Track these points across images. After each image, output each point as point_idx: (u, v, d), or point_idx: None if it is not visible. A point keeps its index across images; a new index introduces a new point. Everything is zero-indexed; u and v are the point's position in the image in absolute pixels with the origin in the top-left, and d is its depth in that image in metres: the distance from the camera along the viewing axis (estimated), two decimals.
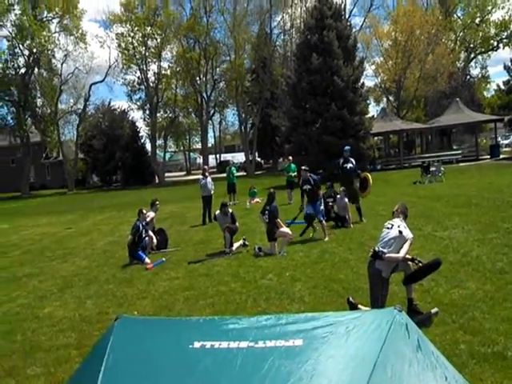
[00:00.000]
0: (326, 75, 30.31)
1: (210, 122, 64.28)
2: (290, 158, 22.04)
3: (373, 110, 67.32)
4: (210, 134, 72.72)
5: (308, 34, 32.12)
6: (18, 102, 49.86)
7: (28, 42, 48.14)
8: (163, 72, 54.32)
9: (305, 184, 11.91)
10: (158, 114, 56.67)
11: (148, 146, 58.52)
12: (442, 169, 23.88)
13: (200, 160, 72.45)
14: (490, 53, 60.26)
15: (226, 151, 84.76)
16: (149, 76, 53.56)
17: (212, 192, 16.92)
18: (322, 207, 11.94)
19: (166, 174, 59.71)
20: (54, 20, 51.21)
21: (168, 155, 70.77)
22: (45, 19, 50.37)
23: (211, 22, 52.13)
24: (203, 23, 51.52)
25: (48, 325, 7.05)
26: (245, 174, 48.67)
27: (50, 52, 50.51)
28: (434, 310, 5.90)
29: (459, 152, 38.42)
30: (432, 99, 51.93)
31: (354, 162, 13.68)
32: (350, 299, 6.28)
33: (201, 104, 54.86)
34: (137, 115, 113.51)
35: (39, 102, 54.08)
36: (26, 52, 49.77)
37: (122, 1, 50.92)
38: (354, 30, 41.57)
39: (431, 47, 45.93)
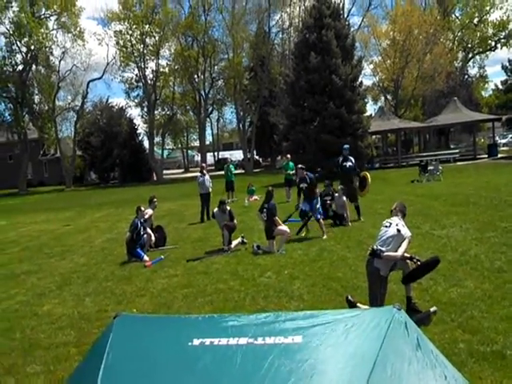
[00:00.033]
0: (325, 74, 30.32)
1: (208, 119, 64.30)
2: (289, 156, 22.06)
3: (371, 108, 67.65)
4: (208, 131, 72.84)
5: (306, 33, 32.10)
6: (16, 99, 49.72)
7: (26, 39, 47.88)
8: (161, 70, 54.17)
9: (301, 182, 11.93)
10: (156, 112, 56.62)
11: (146, 144, 58.48)
12: (440, 168, 23.91)
13: (198, 157, 72.30)
14: (487, 53, 60.33)
15: (224, 149, 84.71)
16: (147, 73, 53.48)
17: (210, 190, 16.91)
18: (319, 205, 11.91)
19: (164, 172, 59.61)
20: (51, 17, 51.02)
21: (166, 152, 70.57)
22: (43, 16, 50.20)
23: (209, 21, 52.06)
24: (201, 21, 51.38)
25: (47, 322, 7.04)
26: (243, 171, 48.64)
27: (47, 49, 50.32)
28: (432, 309, 5.91)
29: (457, 151, 38.52)
30: (430, 98, 51.95)
31: (353, 161, 13.65)
32: (349, 297, 6.29)
33: (199, 102, 54.80)
34: (135, 112, 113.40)
35: (37, 98, 53.93)
36: (24, 49, 49.55)
37: None
38: (352, 29, 41.63)
39: (429, 47, 45.94)
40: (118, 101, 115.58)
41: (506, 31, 56.20)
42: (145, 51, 52.07)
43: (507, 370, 4.44)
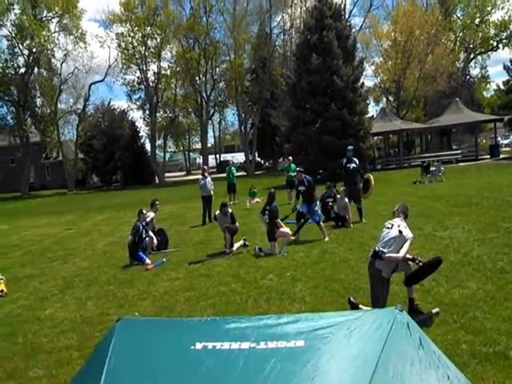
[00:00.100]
0: (326, 75, 30.31)
1: (210, 121, 64.32)
2: (290, 157, 22.05)
3: (372, 109, 67.28)
4: (210, 133, 72.78)
5: (308, 34, 32.13)
6: (18, 102, 49.82)
7: (28, 41, 48.10)
8: (163, 72, 54.37)
9: (300, 185, 11.95)
10: (158, 114, 56.64)
11: (148, 146, 58.56)
12: (442, 168, 23.87)
13: (200, 160, 72.43)
14: (489, 53, 60.36)
15: (226, 151, 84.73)
16: (148, 76, 53.64)
17: (212, 192, 16.89)
18: (317, 208, 11.86)
19: (166, 174, 59.67)
20: (53, 19, 51.23)
21: (168, 155, 70.71)
22: (44, 19, 50.34)
23: (211, 22, 52.19)
24: (203, 23, 51.50)
25: (49, 326, 7.04)
26: (245, 173, 48.66)
27: (49, 52, 50.44)
28: (435, 310, 5.91)
29: (459, 152, 38.42)
30: (432, 99, 51.96)
31: (357, 162, 13.63)
32: (351, 299, 6.28)
33: (200, 104, 54.87)
34: (136, 115, 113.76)
35: (39, 101, 54.05)
36: (26, 52, 49.74)
37: (122, 0, 50.90)
38: (353, 30, 41.66)
39: (431, 47, 45.97)
40: (120, 103, 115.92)
41: (508, 31, 56.19)
42: (146, 53, 52.18)
43: (510, 370, 4.43)
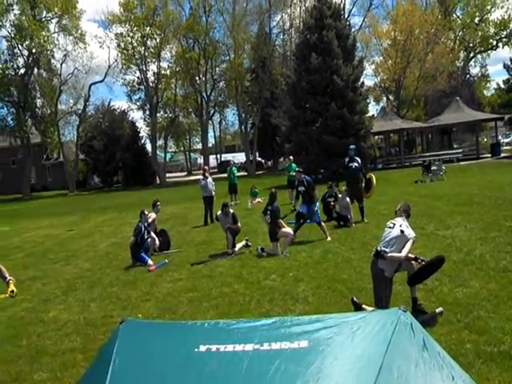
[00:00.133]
0: (326, 74, 30.28)
1: (210, 121, 64.32)
2: (291, 157, 22.02)
3: (373, 109, 67.24)
4: (211, 133, 72.79)
5: (307, 34, 32.08)
6: (18, 103, 49.84)
7: (27, 42, 48.06)
8: (163, 72, 54.35)
9: (299, 186, 11.93)
10: (158, 114, 56.65)
11: (148, 147, 58.62)
12: (443, 168, 23.86)
13: (201, 160, 72.43)
14: (489, 52, 60.30)
15: (227, 151, 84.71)
16: (148, 76, 53.62)
17: (213, 193, 16.89)
18: (317, 209, 11.81)
19: (167, 175, 59.69)
20: (53, 20, 51.16)
21: (168, 156, 70.73)
22: (44, 19, 50.27)
23: (210, 22, 52.14)
24: (202, 23, 51.44)
25: (53, 329, 7.05)
26: (245, 173, 48.66)
27: (49, 52, 50.43)
28: (438, 310, 5.91)
29: (460, 151, 38.41)
30: (432, 98, 51.90)
31: (359, 161, 13.58)
32: (354, 299, 6.29)
33: (201, 104, 54.84)
34: (137, 115, 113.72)
35: (39, 102, 54.09)
36: (26, 52, 49.76)
37: (121, 1, 50.85)
38: (353, 29, 41.62)
39: (430, 46, 45.93)
40: (120, 104, 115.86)
41: (508, 30, 56.15)
42: (146, 53, 52.18)
43: None
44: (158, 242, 11.83)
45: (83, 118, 55.75)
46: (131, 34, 51.33)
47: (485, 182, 20.07)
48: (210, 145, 67.02)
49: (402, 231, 5.69)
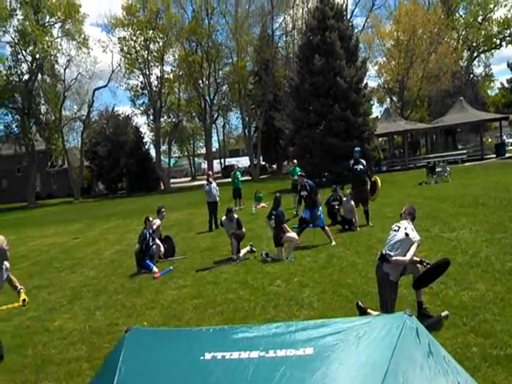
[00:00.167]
0: (329, 76, 30.26)
1: (214, 125, 64.41)
2: (295, 161, 21.95)
3: (376, 110, 67.49)
4: (214, 138, 72.93)
5: (310, 35, 32.06)
6: (22, 110, 50.10)
7: (31, 47, 48.35)
8: (166, 76, 54.54)
9: (302, 190, 11.85)
10: (162, 119, 56.94)
11: (152, 152, 58.78)
12: (448, 169, 23.80)
13: (205, 165, 72.55)
14: (493, 51, 60.34)
15: (231, 155, 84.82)
16: (152, 80, 53.84)
17: (217, 198, 16.85)
18: (320, 213, 11.71)
19: (171, 180, 59.76)
20: (56, 25, 51.45)
21: (172, 161, 70.85)
22: (47, 24, 50.55)
23: (213, 25, 52.36)
24: (205, 26, 51.62)
25: (59, 338, 7.04)
26: (250, 178, 48.67)
27: (52, 57, 50.72)
28: (444, 313, 5.88)
29: (464, 152, 38.23)
30: (436, 99, 51.82)
31: (364, 164, 13.49)
32: (359, 304, 6.27)
33: (204, 108, 54.97)
34: (140, 120, 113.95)
35: (43, 108, 54.34)
36: (29, 58, 50.02)
37: (124, 4, 51.33)
38: (356, 30, 41.55)
39: (434, 46, 45.82)
40: (124, 109, 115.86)
41: (511, 29, 55.99)
42: (149, 57, 52.45)
43: None
44: (162, 248, 11.82)
45: (87, 123, 56.02)
46: (134, 38, 51.65)
47: (490, 182, 19.98)
48: (213, 149, 67.21)
49: (406, 234, 5.67)
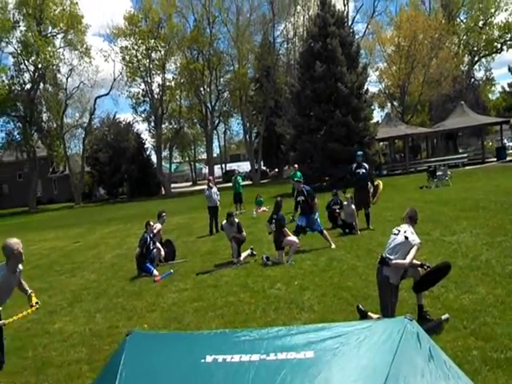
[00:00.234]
0: (330, 82, 30.32)
1: (215, 131, 64.43)
2: (296, 165, 21.96)
3: (377, 115, 67.25)
4: (215, 143, 72.88)
5: (311, 42, 32.11)
6: (24, 118, 50.24)
7: (33, 57, 48.56)
8: (167, 84, 54.62)
9: (299, 195, 11.82)
10: (163, 126, 56.95)
11: (153, 158, 58.78)
12: (449, 173, 23.80)
13: (206, 170, 72.57)
14: (493, 55, 60.25)
15: (232, 160, 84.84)
16: (153, 88, 53.91)
17: (218, 203, 16.91)
18: (317, 217, 11.70)
19: (172, 185, 59.80)
20: (58, 35, 51.79)
21: (174, 166, 70.91)
22: (49, 35, 50.90)
23: (214, 33, 52.45)
24: (206, 34, 51.72)
25: (59, 340, 7.05)
26: (250, 182, 48.68)
27: (55, 67, 50.98)
28: (444, 317, 5.86)
29: (465, 155, 38.22)
30: (437, 103, 51.79)
31: (367, 167, 13.47)
32: (360, 307, 6.27)
33: (205, 114, 55.00)
34: (142, 127, 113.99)
35: (45, 116, 54.51)
36: (32, 68, 50.23)
37: (126, 15, 51.59)
38: (357, 36, 41.70)
39: (435, 51, 45.89)
40: (126, 116, 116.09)
41: None
42: (151, 66, 52.58)
43: None
44: (163, 252, 11.83)
45: (89, 130, 56.15)
46: (136, 47, 51.79)
47: (491, 186, 19.98)
48: (214, 154, 67.21)
49: (406, 237, 5.66)
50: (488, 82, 65.09)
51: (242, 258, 10.91)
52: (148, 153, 59.86)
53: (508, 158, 35.35)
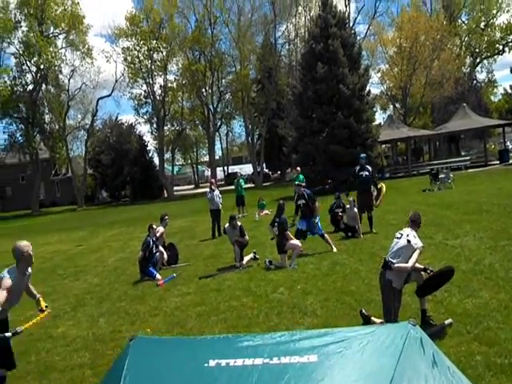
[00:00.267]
0: (332, 84, 30.32)
1: (217, 133, 64.48)
2: (298, 168, 21.89)
3: (379, 117, 67.32)
4: (218, 146, 72.92)
5: (313, 43, 32.11)
6: (27, 119, 50.37)
7: (35, 58, 48.78)
8: (169, 85, 54.68)
9: (299, 199, 11.79)
10: (166, 128, 56.96)
11: (156, 160, 58.93)
12: (451, 175, 23.76)
13: (208, 173, 72.60)
14: (495, 57, 60.15)
15: (234, 163, 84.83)
16: (155, 89, 53.98)
17: (220, 206, 16.91)
18: (318, 221, 11.68)
19: (175, 188, 59.85)
20: (60, 36, 51.84)
21: (176, 169, 70.93)
22: (51, 35, 50.97)
23: (216, 34, 52.44)
24: (208, 35, 51.78)
25: (62, 344, 7.07)
26: (253, 185, 48.67)
27: (57, 68, 51.14)
28: (447, 321, 5.85)
29: (468, 158, 38.15)
30: (439, 105, 51.75)
31: (370, 170, 13.45)
32: (363, 311, 6.27)
33: (207, 116, 55.01)
34: (144, 129, 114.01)
35: (47, 118, 54.66)
36: (34, 68, 50.41)
37: (128, 15, 51.63)
38: (358, 37, 41.70)
39: (436, 53, 45.85)
40: (128, 118, 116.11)
41: None
42: (152, 67, 52.60)
43: None
44: (166, 256, 11.85)
45: (91, 132, 56.24)
46: (138, 48, 51.83)
47: (494, 189, 19.93)
48: (217, 157, 67.28)
49: (408, 241, 5.66)
50: (490, 84, 65.02)
51: (244, 262, 10.91)
52: (150, 155, 59.97)
53: (511, 161, 35.25)
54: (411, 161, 39.75)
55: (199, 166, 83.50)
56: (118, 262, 13.97)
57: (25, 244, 5.53)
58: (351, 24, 47.78)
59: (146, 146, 59.30)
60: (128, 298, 9.38)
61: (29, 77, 51.12)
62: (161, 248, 11.71)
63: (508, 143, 45.76)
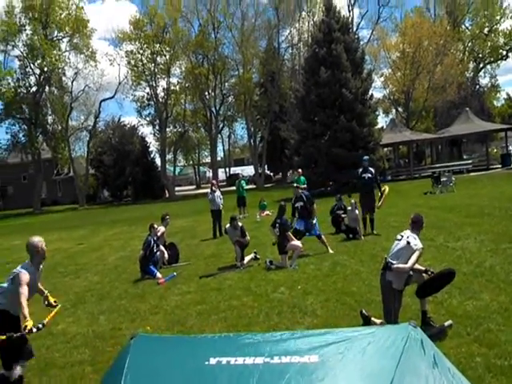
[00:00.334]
0: (335, 88, 30.36)
1: (219, 135, 64.44)
2: (300, 170, 21.95)
3: (382, 121, 67.44)
4: (220, 147, 72.86)
5: (316, 48, 32.19)
6: (30, 120, 50.47)
7: (39, 61, 48.94)
8: (172, 88, 54.71)
9: (297, 201, 11.78)
10: (168, 129, 57.09)
11: (158, 161, 58.96)
12: (453, 179, 23.77)
13: (209, 174, 72.59)
14: (499, 62, 60.21)
15: (236, 164, 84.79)
16: (158, 92, 54.04)
17: (221, 206, 16.97)
18: (315, 222, 11.69)
19: (176, 188, 59.87)
20: (64, 39, 52.12)
21: (178, 169, 70.96)
22: (55, 38, 51.23)
23: (219, 38, 52.51)
24: (211, 39, 51.84)
25: (62, 341, 7.07)
26: (254, 186, 48.68)
27: (60, 70, 51.30)
28: (447, 323, 5.85)
29: (470, 162, 38.18)
30: (441, 109, 51.71)
31: (373, 172, 13.46)
32: (363, 312, 6.27)
33: (210, 118, 55.04)
34: (146, 130, 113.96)
35: (50, 119, 54.77)
36: (37, 71, 50.51)
37: (131, 19, 51.83)
38: (361, 42, 41.74)
39: (440, 58, 45.84)
40: (130, 119, 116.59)
41: None
42: (156, 70, 52.73)
43: None
44: (166, 255, 11.87)
45: (93, 133, 56.39)
46: (141, 51, 52.00)
47: (495, 193, 19.93)
48: (218, 158, 67.30)
49: (408, 242, 5.66)
50: (493, 89, 65.02)
51: (245, 262, 10.92)
52: (152, 156, 59.96)
53: None
54: (413, 164, 39.78)
55: (201, 167, 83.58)
56: (119, 260, 13.98)
57: (38, 239, 5.60)
58: (354, 29, 47.66)
59: (148, 147, 59.38)
60: (128, 296, 9.38)
61: (32, 79, 51.38)
62: (161, 247, 11.72)
63: (510, 147, 45.68)
